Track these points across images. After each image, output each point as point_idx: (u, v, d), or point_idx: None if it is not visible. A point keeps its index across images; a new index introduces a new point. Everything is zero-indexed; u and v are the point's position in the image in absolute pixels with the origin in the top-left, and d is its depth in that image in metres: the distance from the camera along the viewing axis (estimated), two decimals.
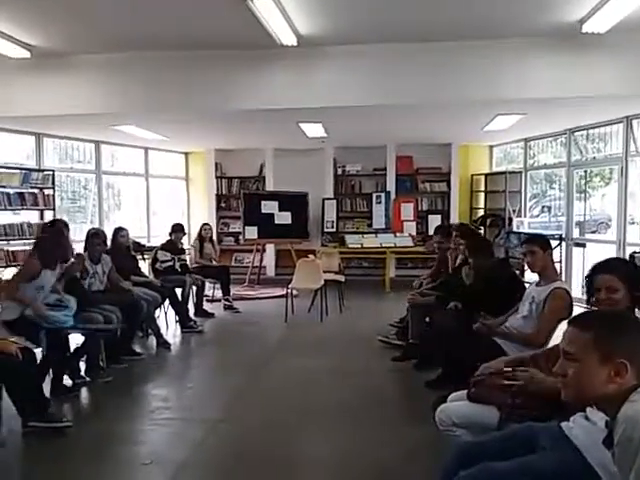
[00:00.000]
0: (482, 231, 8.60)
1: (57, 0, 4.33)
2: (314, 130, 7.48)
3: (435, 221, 8.80)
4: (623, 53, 5.13)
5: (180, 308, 6.18)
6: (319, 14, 4.69)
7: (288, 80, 5.68)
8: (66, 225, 5.02)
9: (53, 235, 4.13)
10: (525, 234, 6.65)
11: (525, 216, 8.91)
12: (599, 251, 6.93)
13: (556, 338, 2.83)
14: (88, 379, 4.29)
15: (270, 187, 9.62)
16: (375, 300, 8.01)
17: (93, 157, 8.56)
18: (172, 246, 6.64)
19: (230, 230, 10.02)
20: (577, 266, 7.45)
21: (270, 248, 9.63)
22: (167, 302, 6.07)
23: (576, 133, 7.57)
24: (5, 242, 6.52)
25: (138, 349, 5.19)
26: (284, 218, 9.09)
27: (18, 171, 6.79)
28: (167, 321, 6.31)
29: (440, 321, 4.23)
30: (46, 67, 5.76)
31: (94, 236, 4.95)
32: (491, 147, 9.74)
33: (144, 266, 6.63)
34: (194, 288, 6.67)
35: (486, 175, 9.36)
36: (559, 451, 1.79)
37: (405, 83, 5.53)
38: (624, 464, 1.33)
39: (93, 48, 5.56)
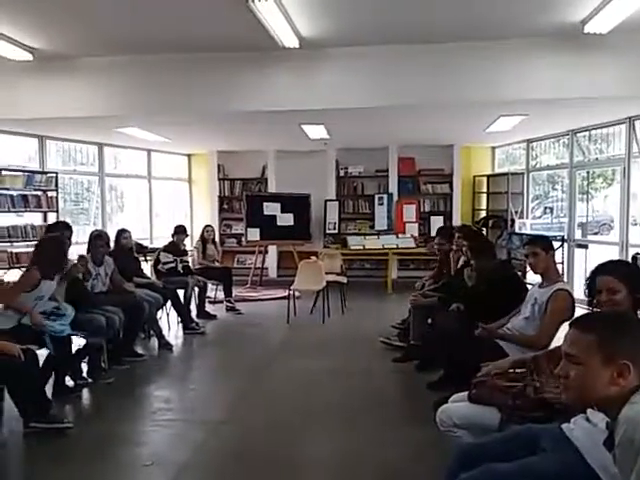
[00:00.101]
0: (484, 232, 8.57)
1: (59, 3, 4.35)
2: (316, 132, 7.49)
3: (437, 222, 8.79)
4: (625, 54, 5.12)
5: (182, 309, 6.19)
6: (321, 16, 4.70)
7: (290, 82, 5.69)
8: (69, 227, 5.02)
9: (53, 246, 4.07)
10: (527, 235, 6.63)
11: (527, 217, 8.89)
12: (601, 252, 6.89)
13: (558, 340, 2.82)
14: (90, 380, 4.30)
15: (272, 189, 9.63)
16: (377, 301, 8.00)
17: (96, 159, 8.59)
18: (174, 248, 6.64)
19: (232, 232, 10.04)
20: (579, 268, 7.43)
21: (272, 250, 9.63)
22: (169, 303, 6.08)
23: (578, 134, 7.56)
24: (9, 244, 6.54)
25: (140, 350, 5.20)
26: (286, 220, 9.08)
27: (21, 173, 6.82)
28: (169, 322, 6.32)
29: (442, 323, 4.21)
30: (49, 70, 5.78)
31: (97, 238, 4.97)
32: (493, 148, 9.74)
33: (147, 268, 6.65)
34: (196, 289, 6.67)
35: (488, 176, 9.37)
36: (560, 453, 1.79)
37: (407, 84, 5.53)
38: (625, 465, 1.32)
39: (95, 51, 5.59)
